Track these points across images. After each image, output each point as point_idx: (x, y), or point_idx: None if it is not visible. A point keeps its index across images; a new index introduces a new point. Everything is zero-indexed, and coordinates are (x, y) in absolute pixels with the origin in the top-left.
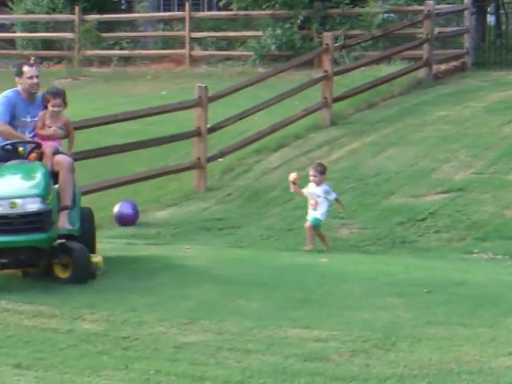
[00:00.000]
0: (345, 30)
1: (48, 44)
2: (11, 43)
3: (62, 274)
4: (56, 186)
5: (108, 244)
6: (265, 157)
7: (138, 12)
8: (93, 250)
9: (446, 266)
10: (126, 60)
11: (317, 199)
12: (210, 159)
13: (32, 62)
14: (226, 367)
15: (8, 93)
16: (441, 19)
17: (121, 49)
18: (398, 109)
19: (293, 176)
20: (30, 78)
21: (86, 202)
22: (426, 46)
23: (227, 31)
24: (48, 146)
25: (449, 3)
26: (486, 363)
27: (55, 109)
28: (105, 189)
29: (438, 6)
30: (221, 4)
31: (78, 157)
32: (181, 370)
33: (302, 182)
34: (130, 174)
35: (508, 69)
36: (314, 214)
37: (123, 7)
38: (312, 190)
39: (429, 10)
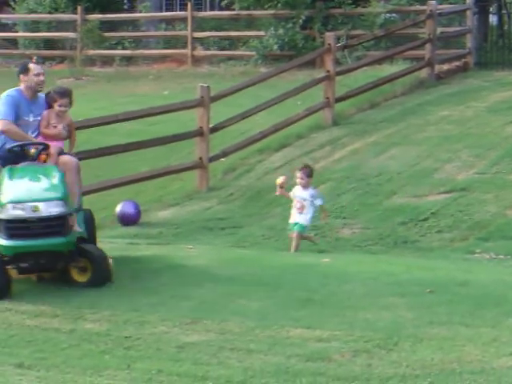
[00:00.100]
0: (347, 29)
1: (50, 44)
2: (13, 43)
3: (80, 277)
4: None
5: (110, 244)
6: (267, 157)
7: (140, 12)
8: None
9: (448, 265)
10: (128, 60)
11: (303, 203)
12: (212, 159)
13: (34, 61)
14: (228, 367)
15: (11, 92)
16: (443, 19)
17: (123, 48)
18: (401, 109)
19: (281, 179)
20: (37, 75)
21: (87, 201)
22: (428, 46)
23: (229, 31)
24: (53, 146)
25: (451, 3)
26: (487, 363)
27: (62, 108)
28: (107, 188)
29: (441, 6)
30: (223, 4)
31: (80, 157)
32: (183, 369)
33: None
34: (132, 173)
35: (510, 69)
36: (299, 218)
37: (125, 7)
38: (298, 193)
39: (431, 10)
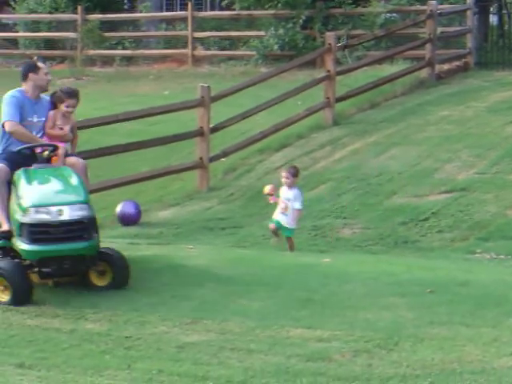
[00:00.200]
0: (347, 29)
1: (51, 43)
2: (14, 43)
3: (99, 281)
4: None
5: (110, 244)
6: (267, 156)
7: (141, 12)
8: None
9: (449, 265)
10: (129, 60)
11: (287, 203)
12: (212, 159)
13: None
14: (229, 367)
15: (14, 93)
16: (443, 19)
17: (123, 48)
18: (401, 109)
19: (268, 188)
20: (46, 74)
21: None
22: (428, 46)
23: (230, 31)
24: (61, 148)
25: (451, 3)
26: (488, 363)
27: (69, 109)
28: (107, 188)
29: (441, 6)
30: (223, 4)
31: (81, 157)
32: (183, 369)
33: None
34: (132, 173)
35: (510, 69)
36: (281, 218)
37: (126, 7)
38: (284, 193)
39: (431, 10)
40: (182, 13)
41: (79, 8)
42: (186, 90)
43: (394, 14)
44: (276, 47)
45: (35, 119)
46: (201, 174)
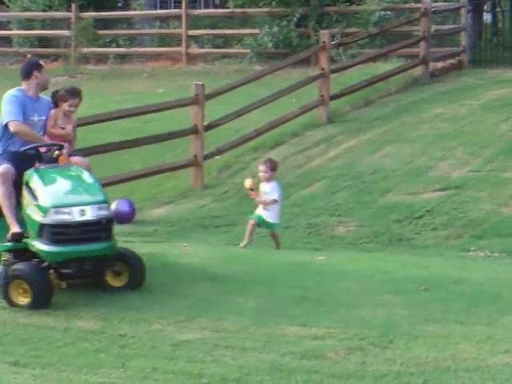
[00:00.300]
0: (341, 27)
1: (44, 41)
2: (8, 41)
3: (115, 282)
4: None
5: None
6: (261, 154)
7: (135, 9)
8: None
9: (443, 263)
10: (123, 58)
11: (266, 197)
12: (206, 157)
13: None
14: (223, 365)
15: (15, 92)
16: (437, 17)
17: (117, 46)
18: (395, 106)
19: (249, 182)
20: (45, 73)
21: None
22: (422, 44)
23: (224, 29)
24: (65, 147)
25: (445, 1)
26: (482, 361)
27: (72, 109)
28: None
29: (435, 4)
30: (217, 1)
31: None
32: (178, 367)
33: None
34: (126, 171)
35: (504, 67)
36: (264, 214)
37: (120, 5)
38: (263, 188)
39: (425, 8)
40: (176, 11)
41: (73, 6)
42: (180, 88)
43: (388, 12)
44: (270, 45)
45: (36, 118)
46: (195, 172)
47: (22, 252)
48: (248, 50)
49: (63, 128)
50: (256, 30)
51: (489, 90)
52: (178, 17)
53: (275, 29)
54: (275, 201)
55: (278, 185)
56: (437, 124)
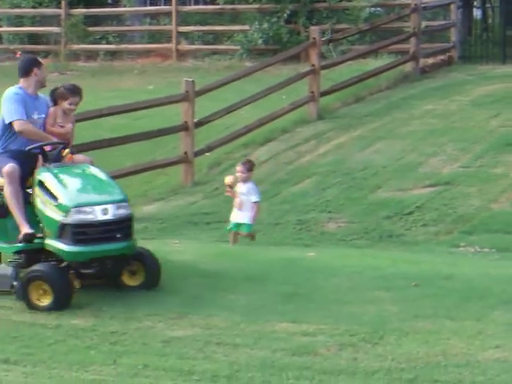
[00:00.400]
0: (332, 24)
1: (34, 38)
2: None
3: (131, 281)
4: None
5: None
6: (252, 151)
7: (125, 6)
8: None
9: (434, 259)
10: (113, 54)
11: (242, 198)
12: (197, 153)
13: (19, 55)
14: (214, 361)
15: (15, 89)
16: (427, 13)
17: (107, 43)
18: (385, 103)
19: (229, 179)
20: (44, 70)
21: None
22: (412, 40)
23: (214, 25)
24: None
25: None
26: (473, 356)
27: (72, 107)
28: None
29: (425, 0)
30: None
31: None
32: (169, 364)
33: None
34: (117, 168)
35: (494, 62)
36: (238, 216)
37: (109, 1)
38: (239, 188)
39: (416, 4)
40: (167, 7)
41: (63, 2)
42: (171, 85)
43: (379, 8)
44: (260, 41)
45: (36, 116)
46: (185, 169)
47: (33, 253)
48: (238, 47)
49: (62, 126)
50: (246, 27)
51: (479, 85)
52: (168, 13)
53: (265, 25)
54: (257, 203)
55: (255, 186)
56: (427, 120)
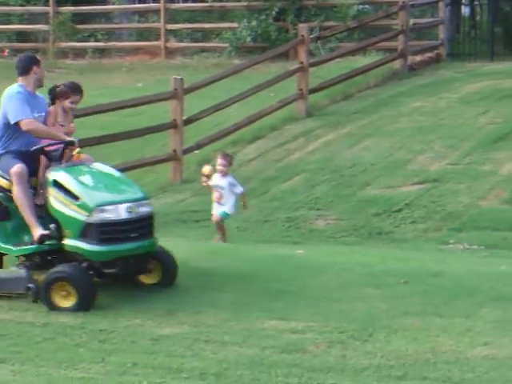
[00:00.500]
0: (320, 21)
1: (22, 36)
2: None
3: (147, 279)
4: None
5: None
6: (241, 148)
7: (113, 4)
8: None
9: (422, 256)
10: (101, 52)
11: (221, 192)
12: (186, 151)
13: (7, 53)
14: (203, 359)
15: (17, 88)
16: (416, 10)
17: (96, 41)
18: (374, 100)
19: (207, 169)
20: (43, 68)
21: None
22: (401, 38)
23: (202, 23)
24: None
25: None
26: (462, 353)
27: (73, 106)
28: None
29: None
30: None
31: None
32: (158, 362)
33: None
34: None
35: (482, 60)
36: (220, 208)
37: None
38: (216, 181)
39: (404, 2)
40: (155, 5)
41: (51, 0)
42: (159, 82)
43: (367, 6)
44: (249, 39)
45: (36, 114)
46: (174, 166)
47: (48, 253)
48: (227, 44)
49: (62, 125)
50: (235, 24)
51: (467, 83)
52: (156, 11)
53: (254, 23)
54: (243, 193)
55: (235, 178)
56: (415, 117)
